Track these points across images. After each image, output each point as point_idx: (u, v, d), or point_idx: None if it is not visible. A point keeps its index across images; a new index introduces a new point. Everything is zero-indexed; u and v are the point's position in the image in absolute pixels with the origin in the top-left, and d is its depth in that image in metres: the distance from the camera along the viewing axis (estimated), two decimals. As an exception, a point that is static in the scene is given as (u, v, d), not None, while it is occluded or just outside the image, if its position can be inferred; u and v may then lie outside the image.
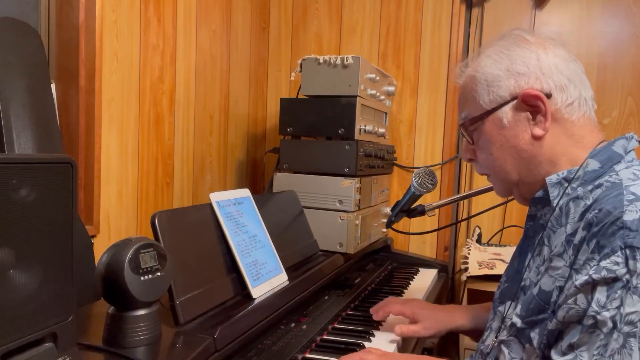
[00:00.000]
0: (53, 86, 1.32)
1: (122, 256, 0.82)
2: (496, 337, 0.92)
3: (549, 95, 0.86)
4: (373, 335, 1.21)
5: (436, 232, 2.14)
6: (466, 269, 1.72)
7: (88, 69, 1.34)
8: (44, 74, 1.10)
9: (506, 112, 0.89)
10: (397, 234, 2.13)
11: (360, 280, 1.65)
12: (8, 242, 0.61)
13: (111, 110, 1.42)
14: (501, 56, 0.90)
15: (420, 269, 1.94)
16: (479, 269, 1.69)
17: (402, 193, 1.80)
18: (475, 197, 2.02)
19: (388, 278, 1.78)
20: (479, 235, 2.06)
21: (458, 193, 2.09)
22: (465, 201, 2.11)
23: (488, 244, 2.05)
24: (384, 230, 1.97)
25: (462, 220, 2.13)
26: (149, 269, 0.85)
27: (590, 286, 0.71)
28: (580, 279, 0.73)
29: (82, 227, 1.18)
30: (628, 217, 0.71)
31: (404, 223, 2.12)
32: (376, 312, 1.28)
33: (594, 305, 0.70)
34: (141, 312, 0.85)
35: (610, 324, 0.69)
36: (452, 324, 1.20)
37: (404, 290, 1.63)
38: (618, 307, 0.68)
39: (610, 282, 0.69)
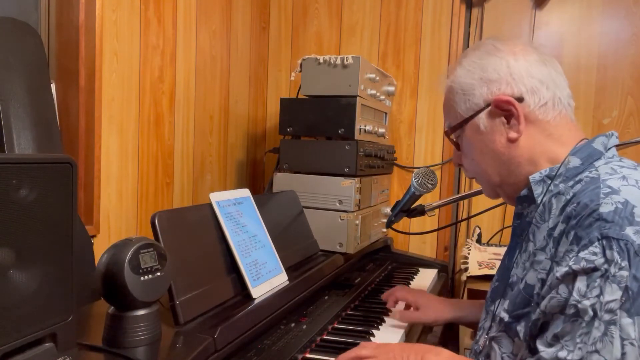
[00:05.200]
0: (53, 86, 1.32)
1: (122, 256, 0.82)
2: (487, 335, 0.94)
3: (520, 99, 0.89)
4: (373, 335, 1.21)
5: (436, 232, 2.14)
6: (466, 269, 1.72)
7: (88, 69, 1.34)
8: (44, 74, 1.10)
9: (482, 119, 0.93)
10: (397, 234, 2.13)
11: (360, 280, 1.65)
12: (8, 242, 0.61)
13: (111, 110, 1.42)
14: (474, 66, 0.94)
15: (420, 269, 1.93)
16: (479, 269, 1.69)
17: (402, 193, 1.80)
18: (475, 197, 2.01)
19: (388, 278, 1.78)
20: (479, 235, 2.06)
21: (458, 193, 2.09)
22: (465, 201, 2.11)
23: (488, 244, 2.05)
24: (384, 230, 1.97)
25: (462, 220, 2.13)
26: (149, 269, 0.85)
27: (571, 276, 0.74)
28: (561, 270, 0.76)
29: (82, 227, 1.18)
30: (604, 209, 0.74)
31: (404, 223, 2.12)
32: (387, 298, 1.37)
33: (575, 295, 0.73)
34: (141, 312, 0.85)
35: (590, 312, 0.71)
36: (451, 314, 1.26)
37: (404, 290, 1.63)
38: (598, 296, 0.71)
39: (589, 271, 0.72)
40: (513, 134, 0.91)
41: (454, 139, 1.02)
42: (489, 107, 0.92)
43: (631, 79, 1.90)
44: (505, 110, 0.90)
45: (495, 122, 0.92)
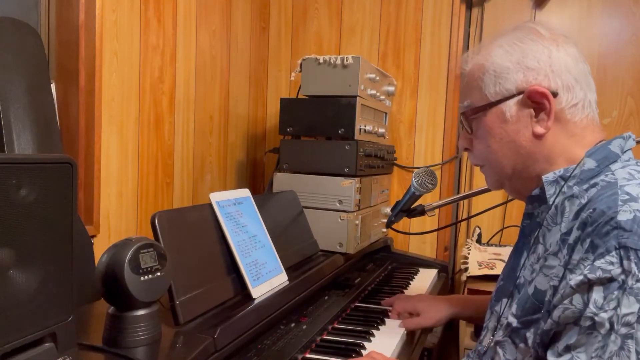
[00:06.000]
0: (53, 86, 1.32)
1: (122, 256, 0.82)
2: (492, 336, 0.92)
3: (555, 94, 0.85)
4: (373, 335, 1.21)
5: (436, 232, 2.14)
6: (466, 269, 1.72)
7: (88, 68, 1.34)
8: (44, 74, 1.10)
9: (510, 106, 0.88)
10: (397, 234, 2.12)
11: (360, 281, 1.65)
12: (8, 242, 0.61)
13: (111, 110, 1.42)
14: (514, 48, 0.88)
15: (420, 269, 1.93)
16: (479, 269, 1.69)
17: (402, 193, 1.80)
18: (475, 197, 2.02)
19: (388, 278, 1.78)
20: (479, 235, 2.06)
21: (458, 193, 2.09)
22: (465, 201, 2.11)
23: (488, 244, 2.05)
24: (384, 230, 1.97)
25: (462, 220, 2.13)
26: (149, 269, 0.85)
27: (586, 286, 0.71)
28: (575, 278, 0.72)
29: (82, 227, 1.17)
30: (622, 217, 0.71)
31: (404, 223, 2.12)
32: (387, 305, 1.41)
33: (591, 306, 0.70)
34: (141, 312, 0.85)
35: (607, 325, 0.68)
36: (449, 312, 1.29)
37: (404, 291, 1.63)
38: (615, 308, 0.68)
39: (605, 282, 0.69)
40: (539, 129, 0.86)
41: (469, 121, 0.95)
42: (521, 96, 0.86)
43: (631, 79, 1.90)
44: (537, 102, 0.85)
45: (523, 112, 0.87)
